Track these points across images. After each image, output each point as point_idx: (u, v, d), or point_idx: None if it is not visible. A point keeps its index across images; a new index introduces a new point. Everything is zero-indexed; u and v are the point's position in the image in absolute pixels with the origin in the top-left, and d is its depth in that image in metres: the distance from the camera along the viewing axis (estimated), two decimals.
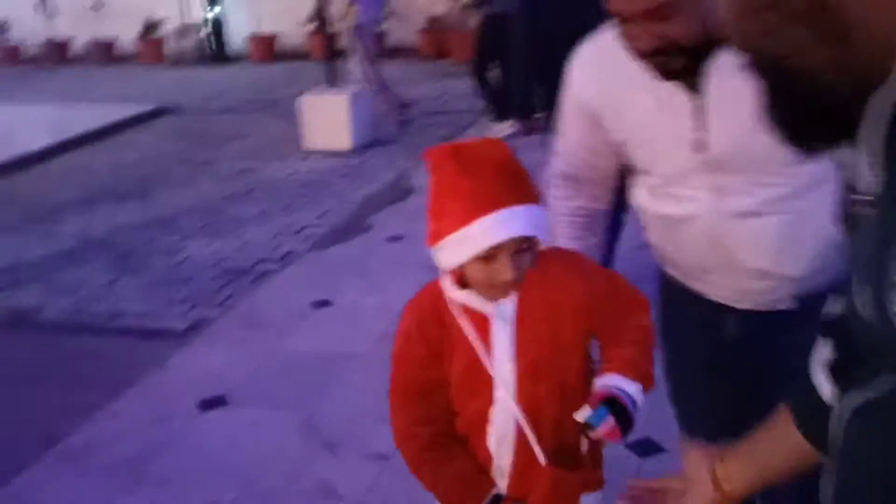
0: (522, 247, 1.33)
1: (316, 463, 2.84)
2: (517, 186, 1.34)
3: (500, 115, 6.58)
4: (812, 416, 0.93)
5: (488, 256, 1.32)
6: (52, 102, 8.89)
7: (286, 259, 4.68)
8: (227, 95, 9.33)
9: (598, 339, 1.48)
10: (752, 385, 1.57)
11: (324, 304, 4.01)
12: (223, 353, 3.64)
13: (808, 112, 0.63)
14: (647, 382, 1.42)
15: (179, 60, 11.50)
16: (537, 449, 1.43)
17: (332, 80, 6.86)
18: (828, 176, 1.42)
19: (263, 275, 4.48)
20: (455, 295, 1.43)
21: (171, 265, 4.71)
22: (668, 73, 1.40)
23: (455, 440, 1.51)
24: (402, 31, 10.59)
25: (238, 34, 11.57)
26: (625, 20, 1.37)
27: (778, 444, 1.04)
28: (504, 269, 1.32)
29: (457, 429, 1.51)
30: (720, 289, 1.58)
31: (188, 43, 11.66)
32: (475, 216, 1.30)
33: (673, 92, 1.44)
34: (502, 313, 1.42)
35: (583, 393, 1.42)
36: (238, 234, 5.10)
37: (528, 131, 6.12)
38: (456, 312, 1.43)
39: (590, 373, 1.47)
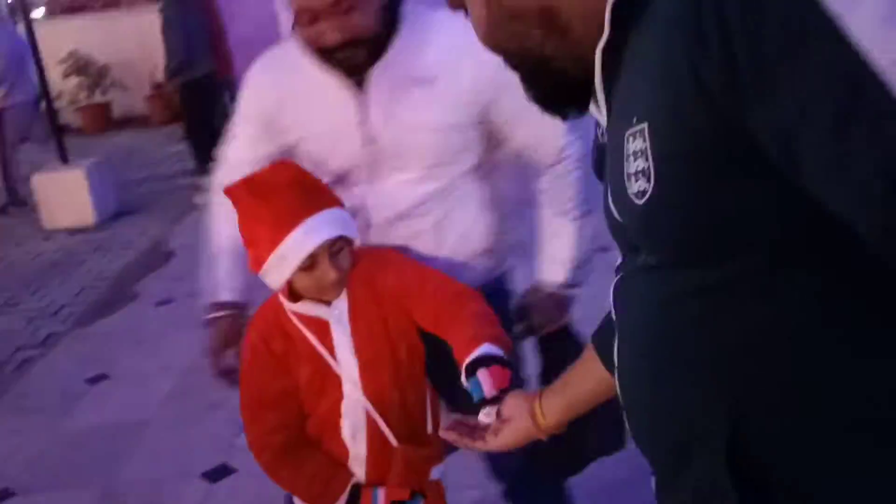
0: (336, 248, 1.49)
1: None
2: (314, 196, 1.49)
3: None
4: (605, 335, 1.03)
5: (310, 265, 1.47)
6: None
7: (48, 342, 4.46)
8: None
9: (433, 327, 1.55)
10: None
11: (100, 378, 3.89)
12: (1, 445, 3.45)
13: (554, 89, 0.86)
14: (500, 343, 1.41)
15: None
16: (388, 433, 1.58)
17: (64, 156, 6.60)
18: (476, 173, 1.71)
19: (26, 361, 4.25)
20: (292, 307, 1.56)
21: None
22: (351, 68, 1.56)
23: (308, 442, 1.62)
24: (129, 99, 10.34)
25: None
26: (313, 19, 1.50)
27: (585, 373, 1.15)
28: (327, 271, 1.47)
29: (309, 430, 1.62)
30: None
31: None
32: (284, 234, 1.44)
33: (340, 87, 1.60)
34: (338, 317, 1.56)
35: (419, 376, 1.62)
36: None
37: None
38: (296, 322, 1.56)
39: (422, 355, 1.62)
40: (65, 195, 6.36)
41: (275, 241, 1.44)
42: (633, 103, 0.75)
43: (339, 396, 1.58)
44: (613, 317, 0.92)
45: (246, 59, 1.87)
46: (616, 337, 0.92)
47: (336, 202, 1.53)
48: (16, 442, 3.45)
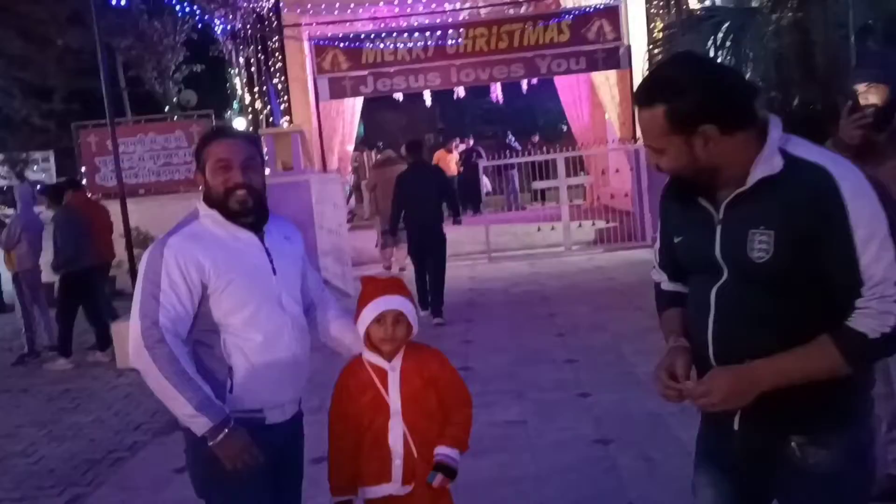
0: (399, 318, 2.59)
1: None
2: (394, 288, 2.64)
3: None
4: (678, 309, 2.17)
5: (379, 320, 2.57)
6: None
7: (134, 447, 5.45)
8: None
9: (442, 403, 2.63)
10: None
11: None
12: None
13: (691, 190, 2.00)
14: (462, 448, 2.61)
15: None
16: (413, 447, 2.59)
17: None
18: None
19: (120, 459, 5.24)
20: (368, 356, 2.64)
21: (28, 465, 5.30)
22: (249, 215, 2.52)
23: (357, 450, 2.60)
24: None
25: None
26: (229, 168, 2.49)
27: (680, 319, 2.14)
28: (388, 328, 2.57)
29: (370, 438, 2.60)
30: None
31: None
32: (372, 299, 2.59)
33: (248, 237, 2.54)
34: (393, 368, 2.59)
35: (438, 418, 2.63)
36: (81, 436, 5.79)
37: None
38: (368, 367, 2.63)
39: (440, 408, 2.65)
40: None
41: (365, 304, 2.59)
42: (758, 216, 1.88)
43: (387, 417, 2.60)
44: (690, 305, 2.10)
45: None
46: (701, 311, 2.01)
47: (408, 297, 2.64)
48: None
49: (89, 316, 8.36)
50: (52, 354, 8.25)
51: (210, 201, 2.54)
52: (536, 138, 20.86)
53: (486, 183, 16.63)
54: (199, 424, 2.37)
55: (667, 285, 2.23)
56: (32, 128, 22.51)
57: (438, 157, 18.18)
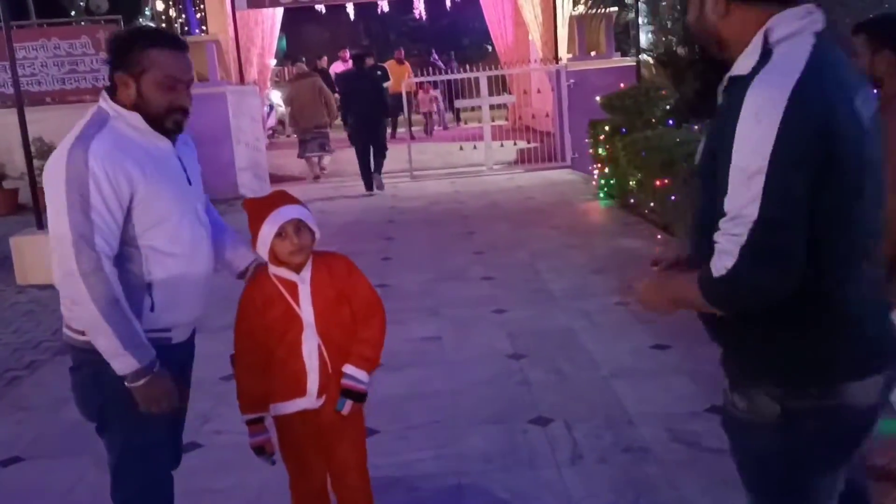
0: (300, 226, 2.44)
1: None
2: (287, 198, 2.49)
3: None
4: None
5: (281, 234, 2.42)
6: None
7: (32, 366, 5.24)
8: None
9: (353, 314, 2.51)
10: None
11: None
12: (6, 430, 4.21)
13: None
14: (371, 367, 2.52)
15: None
16: (328, 359, 2.49)
17: (40, 223, 7.42)
18: None
19: (14, 379, 5.02)
20: (275, 270, 2.48)
21: None
22: (178, 132, 2.36)
23: (264, 369, 2.50)
24: None
25: None
26: (177, 87, 2.29)
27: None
28: (293, 239, 2.42)
29: (281, 352, 2.48)
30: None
31: None
32: (266, 216, 2.42)
33: (167, 145, 2.34)
34: (303, 280, 2.47)
35: (351, 328, 2.52)
36: None
37: None
38: (275, 281, 2.49)
39: (351, 317, 2.53)
40: (39, 256, 7.14)
41: (260, 222, 2.43)
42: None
43: (300, 330, 2.50)
44: None
45: None
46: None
47: (300, 203, 2.49)
48: (19, 429, 4.23)
49: None
50: None
51: (131, 107, 2.29)
52: (453, 59, 20.52)
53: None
54: (124, 364, 2.20)
55: None
56: None
57: (390, 67, 17.55)
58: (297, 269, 2.49)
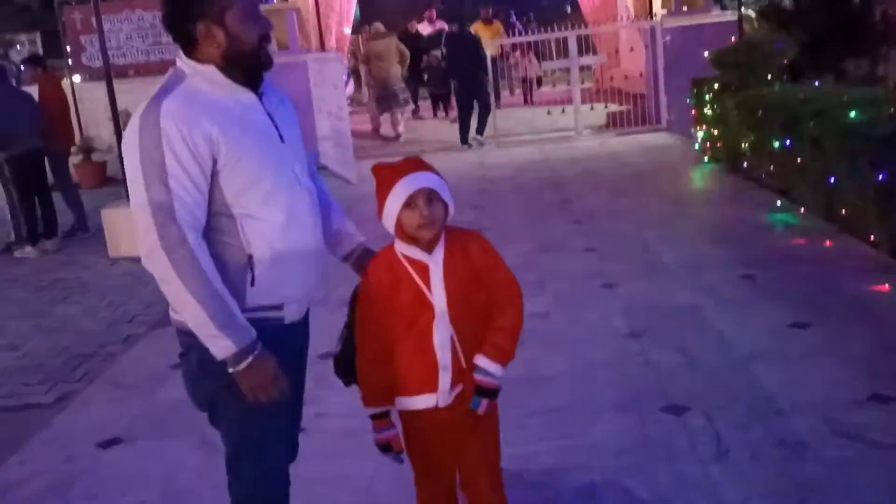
0: (431, 196, 2.12)
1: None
2: (420, 165, 2.17)
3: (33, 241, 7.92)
4: None
5: (410, 205, 2.10)
6: None
7: (128, 341, 5.11)
8: None
9: (489, 300, 2.20)
10: None
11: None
12: (104, 409, 4.07)
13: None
14: (507, 360, 2.21)
15: None
16: (460, 352, 2.19)
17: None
18: None
19: (111, 354, 4.90)
20: (402, 249, 2.17)
21: (15, 359, 4.97)
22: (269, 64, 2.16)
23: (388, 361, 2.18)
24: None
25: None
26: (259, 14, 2.11)
27: None
28: (423, 210, 2.10)
29: (411, 341, 2.17)
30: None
31: None
32: (395, 182, 2.11)
33: (250, 98, 2.10)
34: (436, 262, 2.16)
35: (486, 315, 2.20)
36: (71, 329, 5.45)
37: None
38: (404, 262, 2.17)
39: (488, 304, 2.21)
40: (128, 229, 7.06)
41: (389, 189, 2.12)
42: None
43: (431, 318, 2.18)
44: None
45: None
46: None
47: (434, 171, 2.17)
48: (118, 407, 4.07)
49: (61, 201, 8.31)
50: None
51: (220, 57, 2.04)
52: (532, 20, 19.79)
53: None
54: (221, 347, 1.96)
55: None
56: (14, 6, 21.42)
57: (476, 28, 17.02)
58: (429, 247, 2.17)
